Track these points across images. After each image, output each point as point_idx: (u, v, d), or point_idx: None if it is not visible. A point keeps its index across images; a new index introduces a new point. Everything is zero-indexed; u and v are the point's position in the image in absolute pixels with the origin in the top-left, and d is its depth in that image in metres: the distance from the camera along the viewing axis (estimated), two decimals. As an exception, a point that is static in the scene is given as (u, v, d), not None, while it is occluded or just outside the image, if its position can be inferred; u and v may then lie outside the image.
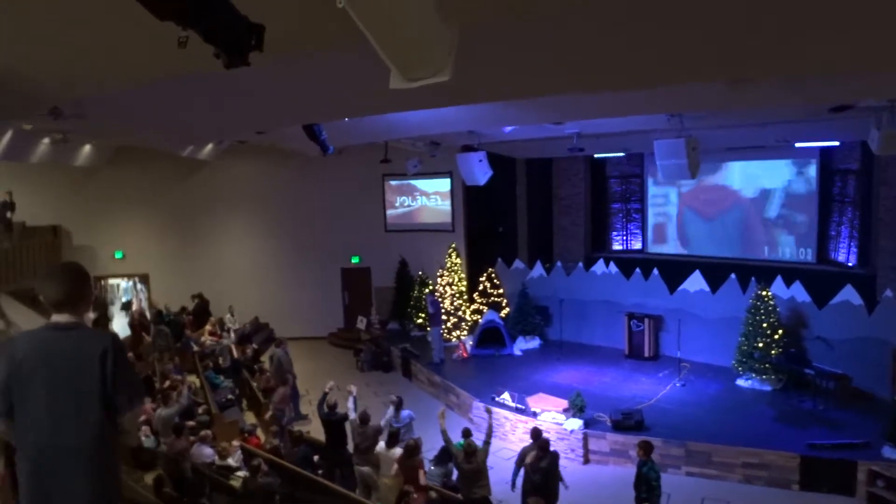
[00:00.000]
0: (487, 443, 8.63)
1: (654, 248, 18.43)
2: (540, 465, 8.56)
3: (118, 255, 19.03)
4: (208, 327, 16.65)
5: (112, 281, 19.37)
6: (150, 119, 8.87)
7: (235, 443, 9.73)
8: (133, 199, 18.86)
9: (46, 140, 12.03)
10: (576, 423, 11.70)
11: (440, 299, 17.28)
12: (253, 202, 19.79)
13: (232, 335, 16.48)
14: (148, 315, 17.07)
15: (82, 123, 8.30)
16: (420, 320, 18.43)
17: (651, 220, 18.51)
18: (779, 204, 16.24)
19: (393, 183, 19.94)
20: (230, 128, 10.80)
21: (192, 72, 4.66)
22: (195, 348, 15.21)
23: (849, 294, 13.08)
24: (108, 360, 2.52)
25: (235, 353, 15.33)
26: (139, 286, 19.63)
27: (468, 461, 8.41)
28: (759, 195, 16.51)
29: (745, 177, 16.73)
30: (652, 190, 18.30)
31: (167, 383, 11.44)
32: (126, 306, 18.74)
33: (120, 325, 18.15)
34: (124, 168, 18.15)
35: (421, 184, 19.54)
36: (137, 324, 16.38)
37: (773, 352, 13.22)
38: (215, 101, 7.26)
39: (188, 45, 2.46)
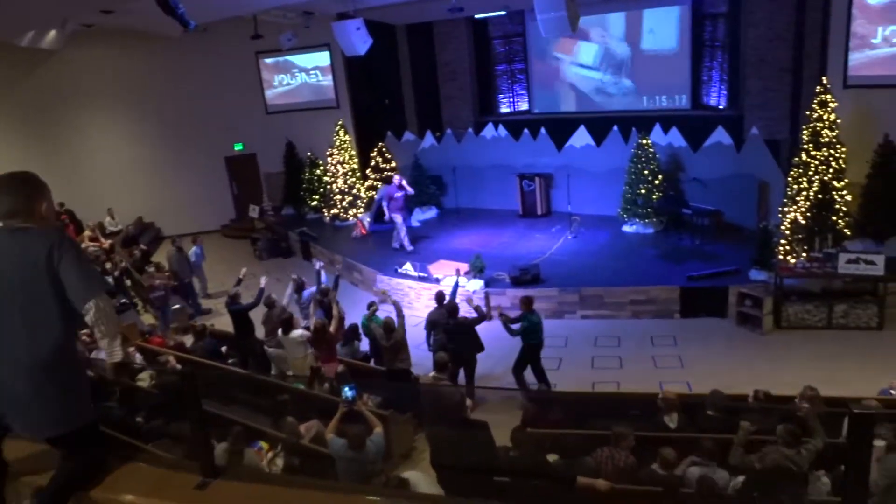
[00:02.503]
0: (400, 316, 8.88)
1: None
2: (447, 325, 8.99)
3: (-32, 166, 17.15)
4: (87, 233, 15.66)
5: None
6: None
7: (131, 349, 9.46)
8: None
9: None
10: (477, 284, 12.15)
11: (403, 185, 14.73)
12: (117, 94, 18.00)
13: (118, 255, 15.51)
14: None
15: None
16: (314, 202, 18.08)
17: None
18: (653, 53, 16.62)
19: (268, 61, 18.74)
20: (69, 6, 9.56)
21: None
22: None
23: (720, 135, 13.86)
24: (54, 256, 2.23)
25: (118, 260, 14.53)
26: None
27: (388, 338, 8.65)
28: (635, 46, 16.81)
29: (620, 28, 16.90)
30: (549, 50, 18.16)
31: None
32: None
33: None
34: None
35: (298, 59, 18.47)
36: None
37: (654, 196, 14.02)
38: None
39: None
